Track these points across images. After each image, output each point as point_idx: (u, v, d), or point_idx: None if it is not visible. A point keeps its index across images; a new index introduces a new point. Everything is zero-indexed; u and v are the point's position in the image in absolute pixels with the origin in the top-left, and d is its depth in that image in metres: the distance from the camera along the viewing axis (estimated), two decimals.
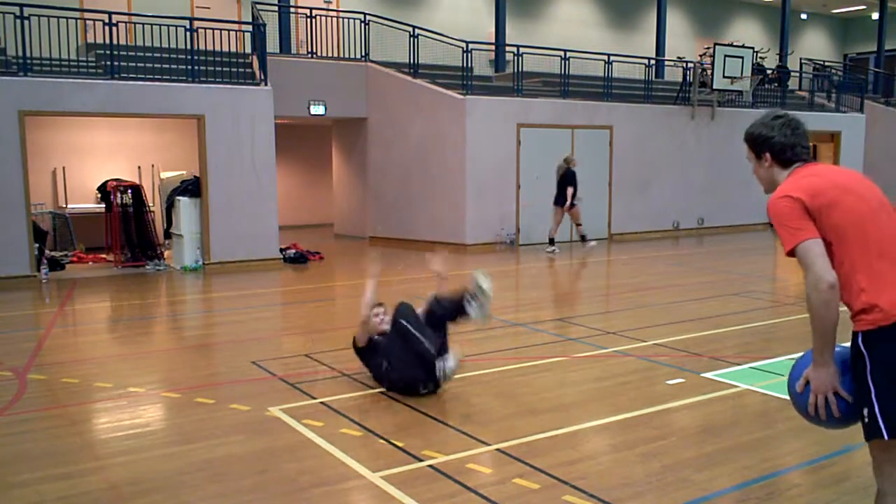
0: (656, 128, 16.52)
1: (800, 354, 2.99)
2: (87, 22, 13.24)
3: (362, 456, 4.30)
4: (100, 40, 12.16)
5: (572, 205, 13.58)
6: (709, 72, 16.82)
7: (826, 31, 28.91)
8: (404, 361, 5.22)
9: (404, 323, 5.23)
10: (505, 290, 10.20)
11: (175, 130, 14.72)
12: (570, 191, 13.45)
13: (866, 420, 2.67)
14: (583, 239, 14.15)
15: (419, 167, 14.62)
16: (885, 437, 2.63)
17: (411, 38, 14.84)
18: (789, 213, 2.69)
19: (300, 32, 15.64)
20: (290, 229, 16.77)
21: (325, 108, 14.73)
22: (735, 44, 18.14)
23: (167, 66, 12.03)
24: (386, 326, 5.45)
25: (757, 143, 2.96)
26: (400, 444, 4.47)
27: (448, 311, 5.48)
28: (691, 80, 17.11)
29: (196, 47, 12.03)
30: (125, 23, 12.56)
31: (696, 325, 7.72)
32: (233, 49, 13.50)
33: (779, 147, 2.89)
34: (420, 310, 5.52)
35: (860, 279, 2.66)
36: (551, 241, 13.91)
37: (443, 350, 5.29)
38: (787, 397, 5.30)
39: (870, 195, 2.76)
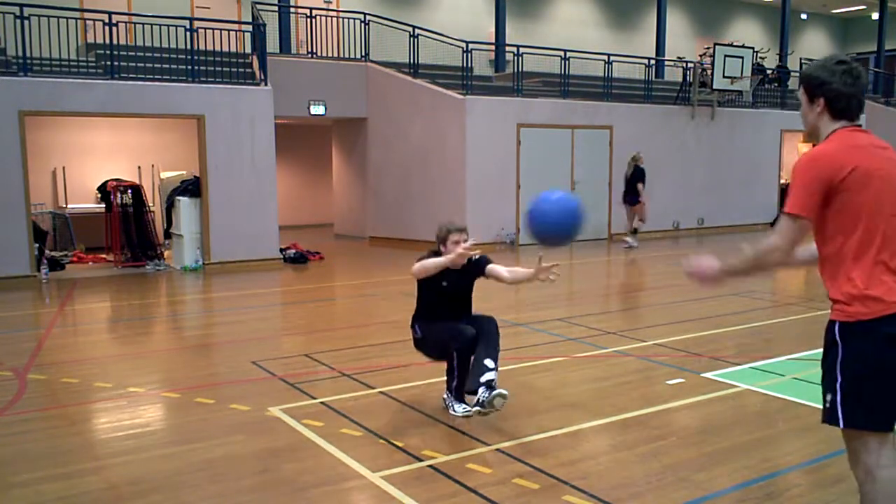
0: (656, 128, 16.52)
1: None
2: (87, 22, 13.25)
3: (362, 456, 4.30)
4: (100, 40, 12.17)
5: (638, 200, 14.38)
6: (709, 72, 16.82)
7: (826, 31, 28.91)
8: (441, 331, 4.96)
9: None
10: (505, 290, 10.20)
11: (175, 130, 14.72)
12: (640, 187, 14.25)
13: (827, 405, 2.74)
14: (634, 232, 14.77)
15: (419, 167, 14.62)
16: (841, 425, 2.70)
17: (411, 38, 14.85)
18: (809, 181, 2.64)
19: (300, 32, 15.64)
20: (290, 229, 16.78)
21: (325, 108, 14.73)
22: (735, 44, 18.15)
23: (167, 66, 12.04)
24: (462, 260, 4.81)
25: (812, 84, 2.77)
26: (400, 444, 4.47)
27: (476, 350, 4.77)
28: (691, 80, 17.12)
29: (196, 47, 12.03)
30: (125, 23, 12.57)
31: (696, 325, 7.72)
32: (233, 49, 13.51)
33: (834, 94, 2.73)
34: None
35: (851, 269, 2.66)
36: (634, 232, 14.79)
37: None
38: (788, 397, 5.33)
39: (894, 186, 2.69)
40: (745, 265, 2.84)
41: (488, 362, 4.66)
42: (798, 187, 2.66)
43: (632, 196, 14.42)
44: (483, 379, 4.59)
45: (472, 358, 4.77)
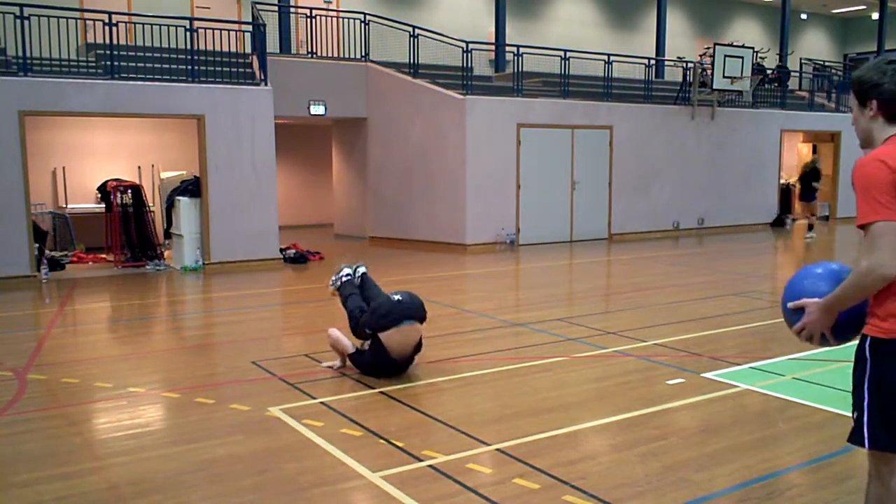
0: (656, 128, 16.52)
1: (801, 270, 2.86)
2: (87, 22, 13.25)
3: (362, 456, 4.30)
4: (100, 40, 12.17)
5: (814, 197, 16.01)
6: (709, 72, 16.82)
7: (826, 31, 28.92)
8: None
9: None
10: (505, 290, 10.21)
11: (175, 130, 14.72)
12: (816, 185, 15.76)
13: (854, 424, 2.63)
14: (809, 228, 16.19)
15: (419, 167, 14.62)
16: (867, 447, 2.59)
17: (411, 38, 14.85)
18: (878, 183, 2.41)
19: (300, 32, 15.65)
20: (290, 229, 16.78)
21: (325, 108, 14.73)
22: (735, 44, 18.15)
23: (167, 66, 12.04)
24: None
25: (864, 87, 2.60)
26: (400, 444, 4.47)
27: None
28: (691, 80, 17.12)
29: (196, 47, 12.03)
30: (125, 23, 12.57)
31: (696, 325, 7.72)
32: (233, 49, 13.51)
33: (888, 95, 2.55)
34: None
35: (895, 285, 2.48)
36: (810, 228, 16.15)
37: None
38: (788, 397, 5.34)
39: None
40: (852, 290, 2.52)
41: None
42: (869, 193, 2.43)
43: (809, 193, 15.90)
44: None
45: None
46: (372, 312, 5.66)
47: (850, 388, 2.66)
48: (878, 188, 2.42)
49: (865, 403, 2.57)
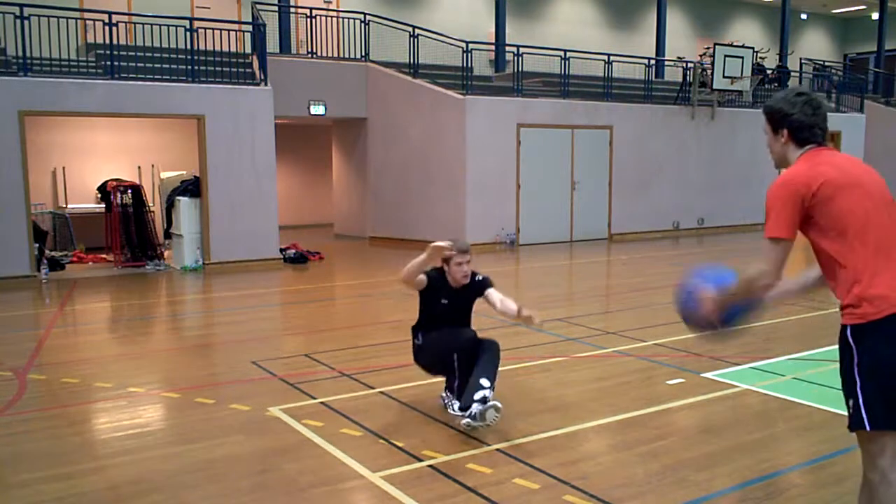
0: (656, 128, 16.52)
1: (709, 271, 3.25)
2: (87, 22, 13.25)
3: (362, 456, 4.30)
4: (100, 40, 12.17)
5: None
6: (709, 72, 16.82)
7: (826, 31, 28.91)
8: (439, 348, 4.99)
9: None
10: (505, 290, 10.20)
11: (175, 130, 14.72)
12: None
13: (850, 411, 2.74)
14: None
15: (419, 167, 14.62)
16: (867, 428, 2.70)
17: (411, 38, 14.84)
18: (783, 204, 2.73)
19: (300, 32, 15.64)
20: (290, 229, 16.77)
21: (325, 108, 14.73)
22: (735, 44, 18.14)
23: (167, 66, 12.03)
24: (465, 281, 4.93)
25: (775, 117, 2.92)
26: (400, 444, 4.47)
27: (474, 369, 4.77)
28: (691, 80, 17.12)
29: (196, 47, 12.03)
30: (125, 23, 12.56)
31: None
32: (233, 49, 13.50)
33: (797, 125, 2.87)
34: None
35: (853, 273, 2.70)
36: None
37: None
38: (787, 397, 5.34)
39: (875, 190, 2.78)
40: (738, 290, 2.93)
41: (484, 381, 4.63)
42: (773, 210, 2.75)
43: None
44: (477, 396, 4.56)
45: (471, 376, 4.73)
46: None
47: (840, 384, 2.79)
48: (780, 208, 2.74)
49: (858, 387, 2.70)
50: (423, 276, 4.87)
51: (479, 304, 5.19)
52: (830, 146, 2.93)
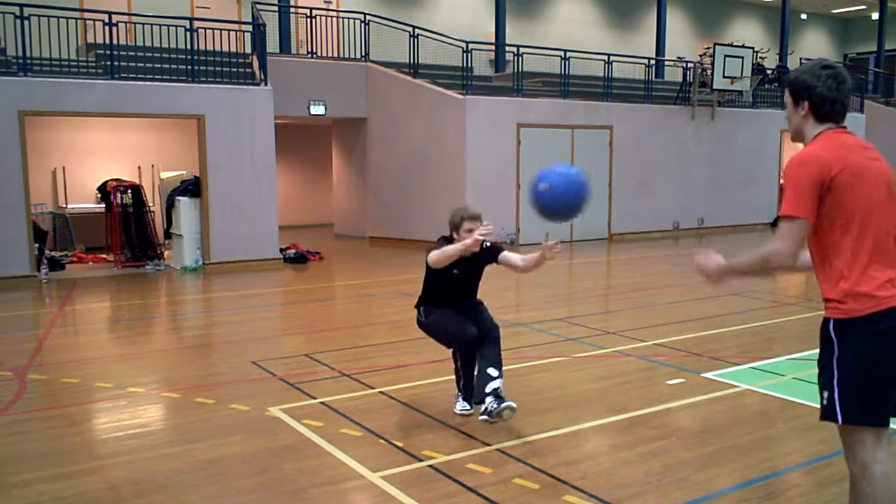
0: (656, 128, 16.52)
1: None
2: (87, 22, 13.25)
3: (362, 456, 4.30)
4: (100, 40, 12.17)
5: None
6: (709, 72, 16.82)
7: (826, 31, 28.91)
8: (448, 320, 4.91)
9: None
10: (505, 290, 10.20)
11: (175, 130, 14.72)
12: None
13: (825, 402, 2.76)
14: None
15: (419, 167, 14.62)
16: (840, 421, 2.72)
17: (411, 38, 14.84)
18: (803, 182, 2.66)
19: (300, 32, 15.64)
20: (290, 229, 16.78)
21: (325, 108, 14.73)
22: (735, 44, 18.14)
23: (167, 66, 12.03)
24: (476, 246, 4.73)
25: (798, 89, 2.83)
26: (400, 444, 4.47)
27: (479, 359, 4.78)
28: (691, 80, 17.12)
29: (196, 47, 12.02)
30: (125, 23, 12.56)
31: (696, 325, 7.72)
32: (233, 49, 13.50)
33: (819, 99, 2.78)
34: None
35: (843, 267, 2.70)
36: None
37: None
38: (787, 397, 5.33)
39: (882, 184, 2.75)
40: (750, 266, 2.84)
41: (492, 371, 4.66)
42: (793, 189, 2.69)
43: None
44: (489, 388, 4.60)
45: (476, 367, 4.79)
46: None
47: (817, 374, 2.81)
48: (800, 185, 2.67)
49: (835, 381, 2.72)
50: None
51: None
52: (848, 129, 2.85)
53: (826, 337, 2.76)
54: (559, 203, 4.22)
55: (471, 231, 4.79)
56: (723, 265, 2.97)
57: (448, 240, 4.95)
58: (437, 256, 4.69)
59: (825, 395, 2.75)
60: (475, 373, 4.80)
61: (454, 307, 4.94)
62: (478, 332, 4.83)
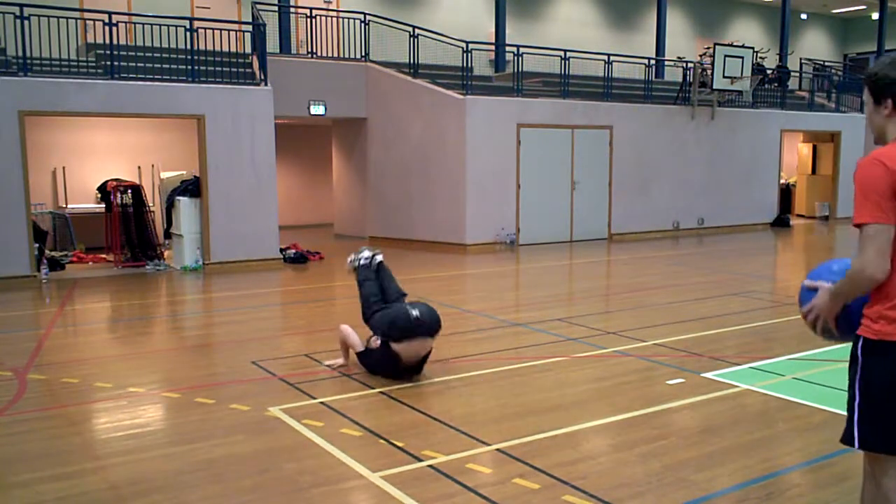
0: (656, 128, 16.52)
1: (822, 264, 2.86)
2: (87, 22, 13.25)
3: (362, 456, 4.30)
4: (100, 40, 12.17)
5: None
6: (709, 72, 16.82)
7: (826, 31, 28.91)
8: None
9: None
10: (505, 290, 10.21)
11: (175, 130, 14.72)
12: None
13: (846, 424, 2.64)
14: None
15: (419, 167, 14.63)
16: (856, 447, 2.60)
17: (411, 38, 14.84)
18: (876, 185, 2.43)
19: (300, 32, 15.64)
20: (290, 229, 16.78)
21: (325, 108, 14.73)
22: (735, 44, 18.14)
23: (167, 66, 12.03)
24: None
25: (878, 84, 2.57)
26: (400, 444, 4.47)
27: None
28: (691, 80, 17.12)
29: (196, 47, 12.02)
30: (125, 23, 12.57)
31: (696, 325, 7.72)
32: (233, 49, 13.50)
33: None
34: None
35: (888, 287, 2.51)
36: None
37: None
38: (787, 397, 5.34)
39: None
40: (846, 289, 2.57)
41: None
42: (860, 193, 2.46)
43: None
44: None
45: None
46: (390, 323, 5.56)
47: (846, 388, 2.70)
48: (872, 189, 2.43)
49: (856, 404, 2.59)
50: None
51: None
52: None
53: (853, 353, 2.62)
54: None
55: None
56: (830, 290, 2.64)
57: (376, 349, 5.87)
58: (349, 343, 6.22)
59: (847, 415, 2.64)
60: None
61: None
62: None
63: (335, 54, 15.23)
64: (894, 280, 2.49)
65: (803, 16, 27.55)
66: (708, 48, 17.35)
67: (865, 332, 2.58)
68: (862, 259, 2.44)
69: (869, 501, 2.72)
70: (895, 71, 2.54)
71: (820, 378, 5.85)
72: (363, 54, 15.14)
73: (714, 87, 16.75)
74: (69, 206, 14.20)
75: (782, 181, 19.40)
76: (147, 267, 12.14)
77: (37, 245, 11.15)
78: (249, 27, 13.65)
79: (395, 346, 5.49)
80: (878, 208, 2.42)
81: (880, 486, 2.64)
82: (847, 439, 2.63)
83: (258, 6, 13.32)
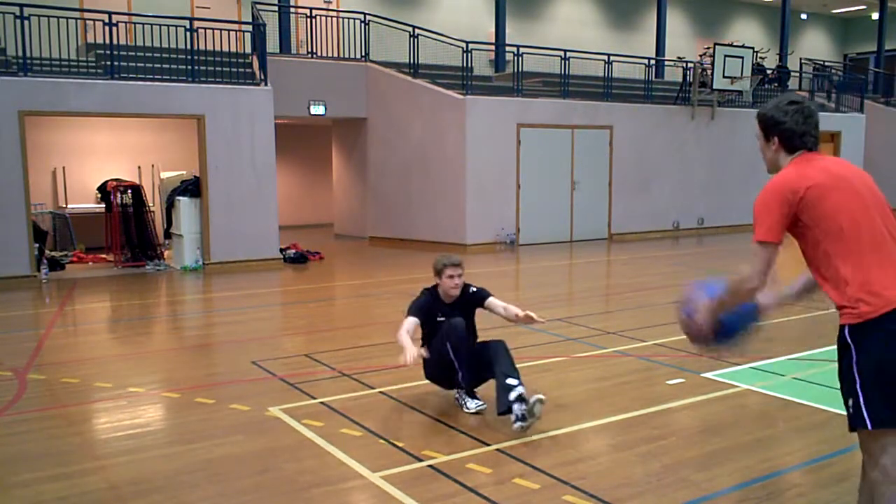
0: (656, 128, 16.52)
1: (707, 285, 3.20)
2: (87, 22, 13.25)
3: (362, 456, 4.30)
4: (100, 40, 12.16)
5: None
6: (709, 72, 16.82)
7: (826, 31, 28.91)
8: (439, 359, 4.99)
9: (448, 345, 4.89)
10: (505, 290, 10.20)
11: (175, 130, 14.72)
12: None
13: (851, 410, 2.75)
14: None
15: (419, 167, 14.62)
16: (869, 427, 2.70)
17: (411, 38, 14.84)
18: (769, 209, 2.78)
19: (300, 32, 15.64)
20: (290, 229, 16.77)
21: (325, 108, 14.73)
22: (735, 44, 18.13)
23: (167, 66, 12.03)
24: (455, 292, 5.08)
25: (768, 125, 2.97)
26: (400, 444, 4.47)
27: (495, 372, 4.82)
28: (691, 80, 17.11)
29: (196, 47, 12.02)
30: (125, 23, 12.56)
31: None
32: (233, 49, 13.50)
33: (788, 134, 2.91)
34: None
35: (846, 273, 2.72)
36: None
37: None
38: (787, 397, 5.34)
39: (865, 191, 2.81)
40: (728, 297, 2.95)
41: (510, 381, 4.66)
42: (760, 215, 2.80)
43: None
44: (512, 396, 4.58)
45: (495, 382, 4.76)
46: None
47: (839, 384, 2.81)
48: (767, 213, 2.78)
49: (858, 386, 2.71)
50: (413, 318, 4.99)
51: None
52: (821, 151, 2.96)
53: (842, 343, 2.77)
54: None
55: (451, 277, 5.08)
56: (707, 308, 3.03)
57: (432, 290, 5.17)
58: (398, 336, 4.84)
59: (850, 402, 2.74)
60: (496, 386, 4.75)
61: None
62: (463, 320, 4.93)
63: (335, 54, 15.22)
64: (849, 262, 2.72)
65: (803, 16, 27.55)
66: (708, 48, 17.35)
67: (848, 318, 2.74)
68: (750, 270, 2.80)
69: (868, 491, 2.81)
70: (780, 113, 2.92)
71: (820, 378, 5.85)
72: (363, 54, 15.14)
73: (714, 87, 16.75)
74: (69, 206, 14.20)
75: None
76: (147, 267, 12.14)
77: (37, 245, 11.15)
78: (249, 27, 13.65)
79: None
80: (769, 230, 2.78)
81: (877, 465, 2.73)
82: (857, 423, 2.72)
83: (258, 6, 13.32)
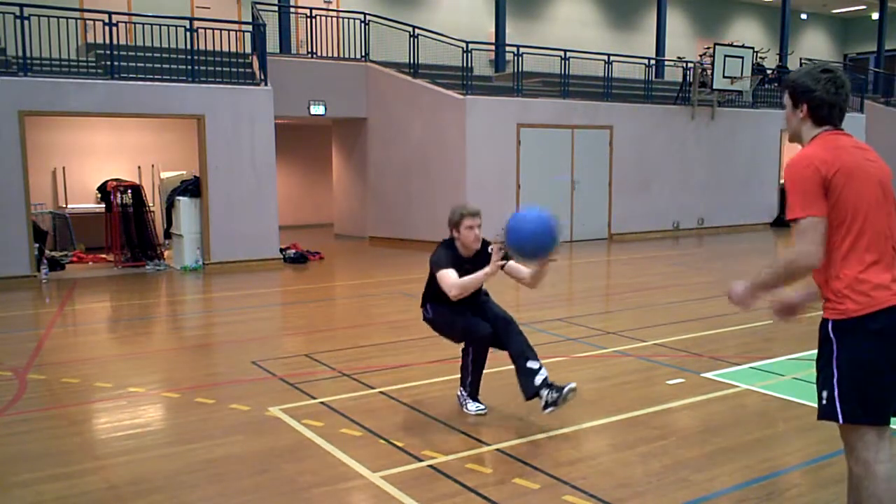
0: (656, 128, 16.52)
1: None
2: (87, 22, 13.25)
3: (362, 456, 4.30)
4: (100, 40, 12.16)
5: None
6: (709, 72, 16.82)
7: (826, 31, 28.91)
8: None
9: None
10: (505, 290, 10.19)
11: (175, 130, 14.71)
12: None
13: (824, 402, 2.78)
14: None
15: (419, 167, 14.62)
16: (840, 421, 2.74)
17: (411, 38, 14.84)
18: (807, 182, 2.67)
19: (300, 32, 15.64)
20: (290, 229, 16.77)
21: (325, 108, 14.72)
22: (735, 44, 18.14)
23: (167, 66, 12.03)
24: (476, 245, 4.95)
25: (797, 91, 2.86)
26: (400, 444, 4.47)
27: (511, 355, 4.79)
28: (691, 80, 17.12)
29: (196, 47, 12.02)
30: (125, 23, 12.56)
31: (696, 325, 7.72)
32: (233, 49, 13.50)
33: (818, 102, 2.81)
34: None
35: (841, 267, 2.72)
36: None
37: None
38: (787, 397, 5.33)
39: (875, 184, 2.77)
40: (776, 276, 2.79)
41: (531, 364, 4.65)
42: (799, 188, 2.69)
43: None
44: (538, 381, 4.61)
45: (514, 365, 4.74)
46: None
47: (816, 374, 2.82)
48: (805, 186, 2.68)
49: (835, 380, 2.74)
50: (453, 269, 4.82)
51: None
52: (845, 131, 2.88)
53: (824, 336, 2.79)
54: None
55: (471, 228, 4.87)
56: (749, 285, 2.92)
57: (449, 242, 4.98)
58: (458, 291, 4.61)
59: (824, 394, 2.77)
60: (515, 371, 4.73)
61: (462, 304, 4.87)
62: (491, 330, 4.81)
63: (335, 54, 15.22)
64: (845, 257, 2.70)
65: (803, 16, 27.55)
66: (708, 48, 17.35)
67: (833, 314, 2.75)
68: (802, 247, 2.66)
69: (854, 485, 2.83)
70: (812, 81, 2.81)
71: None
72: (363, 54, 15.14)
73: (714, 87, 16.75)
74: (69, 206, 14.19)
75: (782, 181, 19.40)
76: (147, 267, 12.14)
77: (37, 245, 11.15)
78: (249, 27, 13.65)
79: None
80: (811, 203, 2.66)
81: (862, 461, 2.76)
82: (828, 415, 2.76)
83: (258, 6, 13.31)
